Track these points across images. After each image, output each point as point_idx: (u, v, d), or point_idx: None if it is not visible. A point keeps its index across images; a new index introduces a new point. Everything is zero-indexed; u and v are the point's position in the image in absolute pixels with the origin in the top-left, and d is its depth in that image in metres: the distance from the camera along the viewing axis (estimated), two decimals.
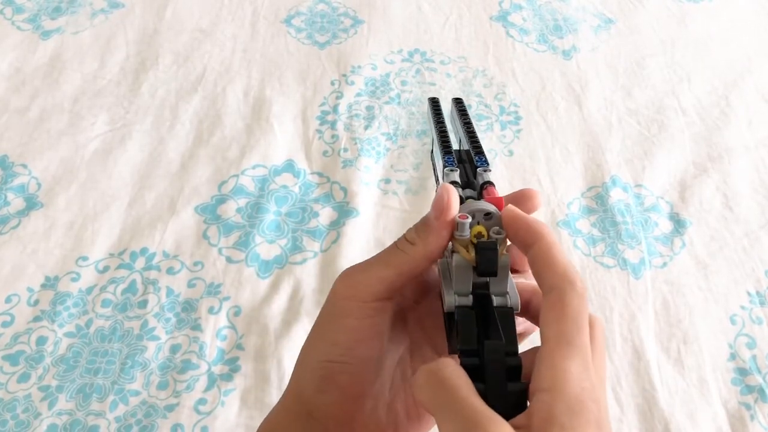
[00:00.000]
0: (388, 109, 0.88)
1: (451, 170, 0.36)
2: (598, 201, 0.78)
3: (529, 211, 0.34)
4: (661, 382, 0.64)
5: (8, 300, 0.67)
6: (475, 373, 0.28)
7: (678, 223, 0.76)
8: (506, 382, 0.28)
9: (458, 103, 0.45)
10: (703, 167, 0.82)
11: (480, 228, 0.32)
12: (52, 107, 0.86)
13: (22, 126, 0.83)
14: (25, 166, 0.79)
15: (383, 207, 0.77)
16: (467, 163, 0.39)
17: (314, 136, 0.84)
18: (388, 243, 0.77)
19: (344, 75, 0.92)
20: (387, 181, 0.80)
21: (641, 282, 0.71)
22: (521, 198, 0.35)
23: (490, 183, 0.35)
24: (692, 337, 0.67)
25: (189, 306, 0.67)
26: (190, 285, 0.69)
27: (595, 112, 0.88)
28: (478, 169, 0.36)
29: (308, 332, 0.36)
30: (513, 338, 0.29)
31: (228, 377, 0.63)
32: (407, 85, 0.91)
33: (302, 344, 0.36)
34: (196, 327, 0.66)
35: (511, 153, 0.83)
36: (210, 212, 0.75)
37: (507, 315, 0.31)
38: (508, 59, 0.95)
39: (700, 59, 0.97)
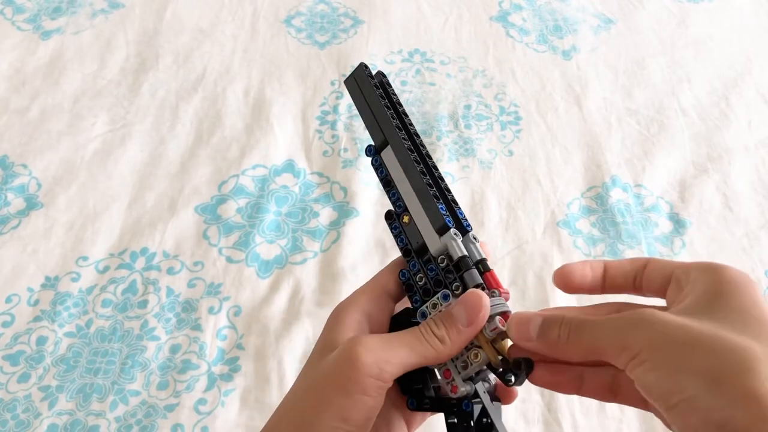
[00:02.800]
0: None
1: (456, 234, 0.34)
2: (598, 201, 0.78)
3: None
4: None
5: (8, 300, 0.67)
6: None
7: (678, 223, 0.76)
8: None
9: (385, 80, 0.38)
10: (703, 167, 0.82)
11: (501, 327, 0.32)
12: (52, 107, 0.86)
13: (22, 126, 0.83)
14: (25, 166, 0.79)
15: (383, 207, 0.77)
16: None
17: (314, 136, 0.84)
18: (388, 243, 0.76)
19: (344, 75, 0.92)
20: None
21: None
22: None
23: (487, 264, 0.34)
24: None
25: (189, 306, 0.67)
26: (191, 285, 0.69)
27: (595, 112, 0.88)
28: (469, 234, 0.35)
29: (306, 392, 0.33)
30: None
31: (228, 377, 0.63)
32: (407, 85, 0.91)
33: (290, 396, 0.34)
34: (196, 327, 0.66)
35: (511, 153, 0.83)
36: (210, 212, 0.75)
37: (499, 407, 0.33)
38: (508, 59, 0.96)
39: (700, 59, 0.97)
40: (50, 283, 0.69)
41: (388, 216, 0.37)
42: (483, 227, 0.75)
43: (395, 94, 0.38)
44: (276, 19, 1.00)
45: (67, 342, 0.64)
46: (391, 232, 0.37)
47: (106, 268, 0.70)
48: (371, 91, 0.37)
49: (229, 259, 0.71)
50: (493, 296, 0.33)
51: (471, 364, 0.32)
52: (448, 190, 0.36)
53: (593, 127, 0.87)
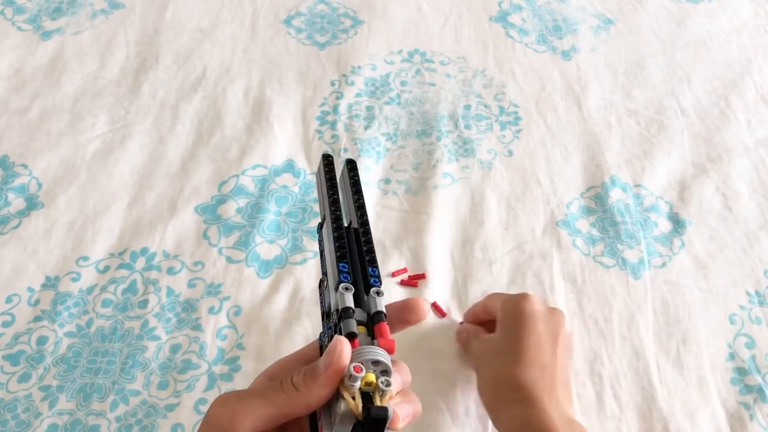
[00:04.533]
0: (388, 109, 0.88)
1: (347, 288, 0.35)
2: (597, 201, 0.79)
3: (415, 322, 0.37)
4: (660, 382, 0.64)
5: (9, 300, 0.67)
6: None
7: (677, 223, 0.76)
8: None
9: (350, 167, 0.43)
10: (703, 167, 0.82)
11: (370, 376, 0.31)
12: (52, 107, 0.86)
13: (22, 126, 0.84)
14: (25, 166, 0.79)
15: (383, 207, 0.77)
16: (357, 255, 0.38)
17: (314, 136, 0.84)
18: (388, 243, 0.77)
19: (344, 75, 0.92)
20: (387, 181, 0.80)
21: (640, 282, 0.71)
22: (405, 310, 0.37)
23: (382, 316, 0.34)
24: (691, 336, 0.67)
25: (189, 306, 0.68)
26: (191, 285, 0.69)
27: (595, 113, 0.89)
28: (371, 290, 0.36)
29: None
30: None
31: (228, 377, 0.63)
32: (407, 85, 0.91)
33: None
34: (197, 327, 0.66)
35: (510, 153, 0.83)
36: (210, 212, 0.75)
37: None
38: (507, 59, 0.96)
39: (700, 59, 0.97)
40: (50, 283, 0.69)
41: (319, 284, 0.40)
42: (483, 227, 0.75)
43: (356, 176, 0.43)
44: (276, 19, 1.00)
45: (67, 342, 0.65)
46: (319, 298, 0.39)
47: (107, 268, 0.70)
48: (321, 178, 0.43)
49: (229, 259, 0.71)
50: (369, 345, 0.33)
51: (335, 417, 0.31)
52: (371, 251, 0.38)
53: (593, 127, 0.87)
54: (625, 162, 0.83)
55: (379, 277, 0.37)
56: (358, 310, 0.35)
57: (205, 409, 0.61)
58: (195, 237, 0.73)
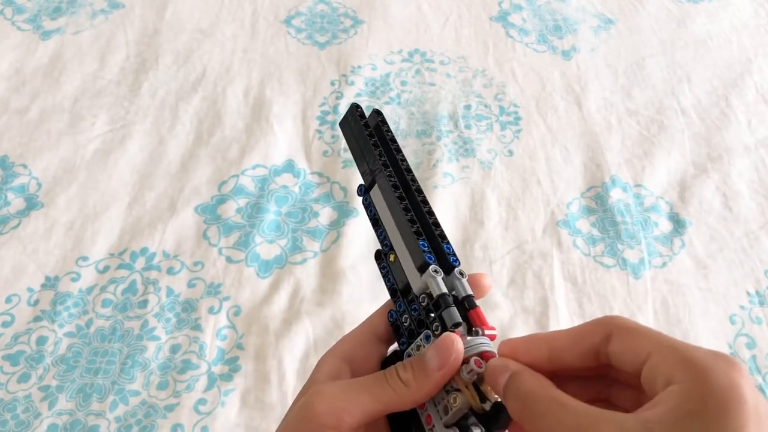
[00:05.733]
0: (388, 109, 0.88)
1: (436, 271, 0.32)
2: (597, 201, 0.78)
3: (479, 296, 0.33)
4: None
5: (8, 300, 0.67)
6: None
7: (678, 223, 0.76)
8: None
9: (381, 119, 0.38)
10: (703, 167, 0.82)
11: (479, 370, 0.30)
12: (52, 107, 0.86)
13: (22, 126, 0.83)
14: (25, 166, 0.79)
15: None
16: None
17: (314, 136, 0.84)
18: None
19: (344, 75, 0.92)
20: None
21: (641, 282, 0.71)
22: (471, 287, 0.33)
23: (473, 300, 0.32)
24: (692, 336, 0.67)
25: (189, 306, 0.67)
26: (190, 285, 0.69)
27: (595, 113, 0.89)
28: (455, 270, 0.33)
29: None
30: None
31: (228, 377, 0.63)
32: (407, 85, 0.91)
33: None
34: (196, 327, 0.66)
35: (511, 153, 0.83)
36: (210, 212, 0.75)
37: None
38: (508, 59, 0.96)
39: (700, 59, 0.97)
40: (50, 283, 0.69)
41: (377, 256, 0.36)
42: (483, 227, 0.75)
43: (390, 131, 0.37)
44: (276, 19, 1.00)
45: (67, 342, 0.64)
46: (380, 272, 0.36)
47: (106, 268, 0.70)
48: (360, 132, 0.37)
49: (229, 259, 0.71)
50: (476, 335, 0.31)
51: (451, 409, 0.30)
52: (437, 225, 0.34)
53: (593, 127, 0.87)
54: (626, 162, 0.82)
55: (455, 254, 0.33)
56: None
57: (204, 409, 0.61)
58: (195, 237, 0.73)
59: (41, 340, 0.64)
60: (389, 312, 0.35)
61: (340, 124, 0.39)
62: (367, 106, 0.88)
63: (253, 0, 1.02)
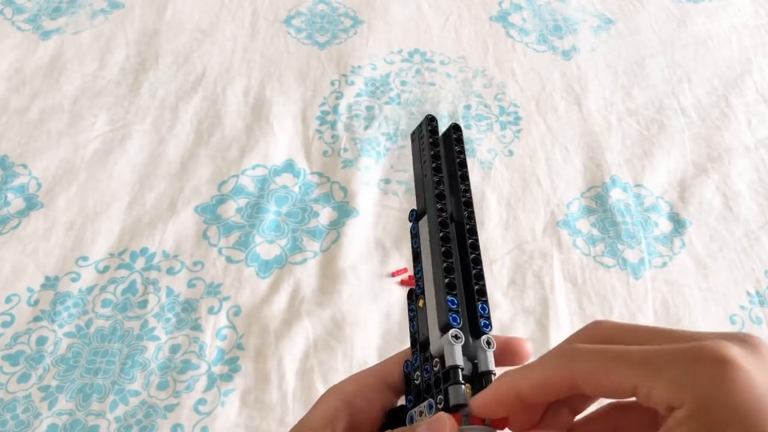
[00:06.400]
0: (388, 109, 0.88)
1: (456, 337, 0.28)
2: (597, 201, 0.78)
3: (513, 365, 0.29)
4: None
5: (8, 300, 0.67)
6: None
7: (678, 223, 0.76)
8: None
9: (456, 136, 0.34)
10: (703, 167, 0.82)
11: None
12: (52, 107, 0.86)
13: (22, 126, 0.83)
14: (25, 166, 0.79)
15: (383, 207, 0.77)
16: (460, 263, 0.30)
17: (314, 136, 0.84)
18: (388, 243, 0.76)
19: (344, 75, 0.92)
20: (387, 181, 0.80)
21: (641, 282, 0.71)
22: (506, 353, 0.30)
23: (491, 378, 0.28)
24: None
25: (189, 306, 0.67)
26: (190, 285, 0.69)
27: (595, 112, 0.88)
28: (482, 338, 0.29)
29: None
30: None
31: (228, 377, 0.63)
32: (407, 85, 0.91)
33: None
34: (196, 327, 0.66)
35: (511, 153, 0.83)
36: (210, 212, 0.75)
37: None
38: (508, 59, 0.96)
39: (700, 59, 0.97)
40: (50, 283, 0.69)
41: (409, 295, 0.32)
42: (483, 227, 0.75)
43: (462, 153, 0.33)
44: (276, 19, 1.00)
45: (67, 342, 0.64)
46: (408, 314, 0.32)
47: (106, 268, 0.70)
48: (425, 150, 0.33)
49: (229, 259, 0.71)
50: (479, 422, 0.27)
51: None
52: (480, 277, 0.30)
53: (593, 127, 0.87)
54: (626, 162, 0.82)
55: (489, 318, 0.29)
56: (463, 359, 0.28)
57: (204, 409, 0.61)
58: (195, 237, 0.73)
59: (41, 340, 0.64)
60: (405, 362, 0.32)
61: (411, 134, 0.35)
62: (366, 106, 0.88)
63: (253, 0, 1.02)
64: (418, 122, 0.34)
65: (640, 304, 0.69)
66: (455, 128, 0.33)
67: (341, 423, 0.30)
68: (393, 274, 0.70)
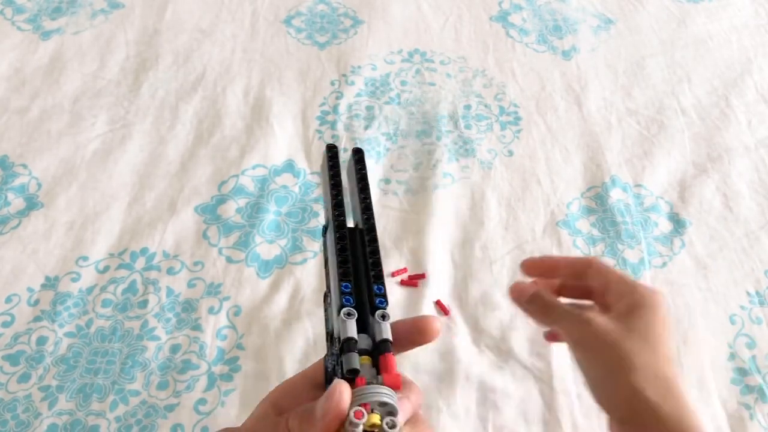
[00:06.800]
0: (388, 109, 0.88)
1: (349, 314, 0.31)
2: (597, 201, 0.78)
3: (425, 343, 0.34)
4: None
5: (8, 300, 0.67)
6: None
7: (678, 223, 0.76)
8: None
9: (357, 158, 0.39)
10: (703, 167, 0.82)
11: (374, 418, 0.29)
12: (52, 107, 0.86)
13: (22, 126, 0.83)
14: (25, 166, 0.79)
15: (383, 207, 0.77)
16: (362, 264, 0.34)
17: (314, 136, 0.84)
18: (388, 243, 0.76)
19: (344, 75, 0.92)
20: (387, 181, 0.80)
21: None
22: (414, 331, 0.34)
23: (388, 346, 0.31)
24: (692, 337, 0.67)
25: (189, 306, 0.67)
26: (190, 285, 0.69)
27: (595, 113, 0.89)
28: (377, 312, 0.32)
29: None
30: None
31: (228, 377, 0.63)
32: (407, 85, 0.91)
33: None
34: (196, 327, 0.66)
35: (510, 153, 0.83)
36: (210, 212, 0.75)
37: None
38: (508, 59, 0.96)
39: (700, 59, 0.97)
40: (50, 283, 0.69)
41: (325, 298, 0.36)
42: (483, 227, 0.75)
43: (363, 169, 0.38)
44: (276, 19, 1.00)
45: (67, 342, 0.64)
46: (324, 315, 0.36)
47: (106, 268, 0.70)
48: (325, 174, 0.38)
49: (229, 259, 0.71)
50: (377, 383, 0.30)
51: None
52: (377, 264, 0.34)
53: (593, 127, 0.87)
54: (626, 162, 0.82)
55: (385, 296, 0.33)
56: (362, 336, 0.32)
57: (204, 409, 0.61)
58: (195, 237, 0.73)
59: (41, 340, 0.64)
60: (324, 357, 0.35)
61: (321, 166, 0.40)
62: (366, 106, 0.88)
63: (253, 0, 1.02)
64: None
65: None
66: (356, 151, 0.39)
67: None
68: (393, 274, 0.70)
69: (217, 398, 0.61)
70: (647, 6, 1.05)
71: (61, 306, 0.67)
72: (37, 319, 0.66)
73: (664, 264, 0.73)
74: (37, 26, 0.97)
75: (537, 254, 0.73)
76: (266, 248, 0.72)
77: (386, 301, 0.33)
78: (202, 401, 0.61)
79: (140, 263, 0.71)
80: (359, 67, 0.93)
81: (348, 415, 0.28)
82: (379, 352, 0.31)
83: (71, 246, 0.72)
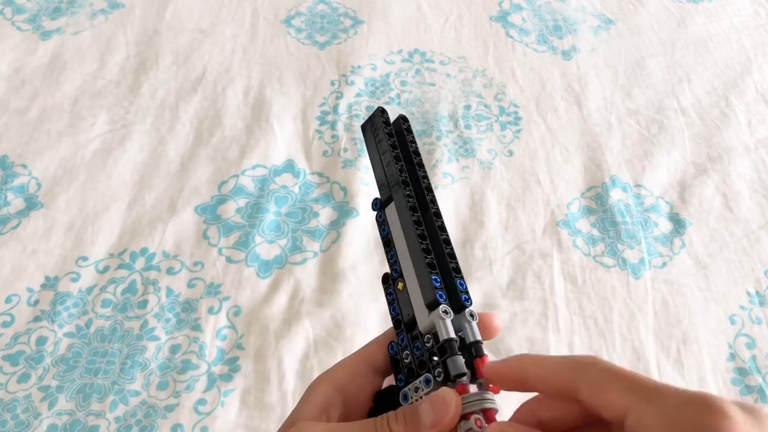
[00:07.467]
0: (387, 109, 0.87)
1: (446, 312, 0.29)
2: (597, 201, 0.78)
3: (486, 340, 0.31)
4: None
5: (8, 300, 0.67)
6: None
7: (678, 223, 0.76)
8: None
9: (406, 126, 0.35)
10: (703, 167, 0.82)
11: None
12: (52, 107, 0.86)
13: (22, 126, 0.83)
14: (25, 166, 0.79)
15: None
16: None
17: (314, 136, 0.84)
18: None
19: (344, 75, 0.92)
20: None
21: (641, 282, 0.71)
22: (480, 328, 0.31)
23: (482, 349, 0.29)
24: (692, 337, 0.67)
25: (189, 306, 0.67)
26: (190, 285, 0.69)
27: (595, 113, 0.88)
28: (465, 311, 0.30)
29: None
30: None
31: (228, 377, 0.63)
32: (407, 85, 0.91)
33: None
34: (196, 327, 0.66)
35: (510, 153, 0.83)
36: (210, 212, 0.75)
37: None
38: (508, 59, 0.96)
39: (700, 59, 0.97)
40: (50, 283, 0.69)
41: (384, 279, 0.34)
42: (483, 227, 0.75)
43: (414, 142, 0.34)
44: (276, 19, 1.00)
45: (66, 342, 0.64)
46: (386, 297, 0.33)
47: (106, 268, 0.70)
48: (383, 140, 0.34)
49: (228, 259, 0.71)
50: (478, 388, 0.28)
51: None
52: (453, 256, 0.32)
53: (593, 127, 0.87)
54: (626, 162, 0.82)
55: (468, 292, 0.31)
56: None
57: (204, 409, 0.61)
58: (195, 237, 0.73)
59: (41, 341, 0.64)
60: (390, 344, 0.33)
61: (362, 126, 0.36)
62: (366, 106, 0.88)
63: (253, 0, 1.02)
64: (370, 115, 0.35)
65: (640, 304, 0.69)
66: (403, 119, 0.35)
67: (336, 410, 0.31)
68: None
69: (216, 398, 0.61)
70: (647, 6, 1.05)
71: (60, 306, 0.67)
72: (36, 319, 0.66)
73: (664, 264, 0.73)
74: (37, 26, 0.97)
75: (535, 256, 0.73)
76: (266, 248, 0.72)
77: (470, 298, 0.31)
78: (201, 401, 0.61)
79: (140, 263, 0.71)
80: (359, 67, 0.93)
81: (468, 419, 0.27)
82: (472, 355, 0.29)
83: (71, 246, 0.72)
